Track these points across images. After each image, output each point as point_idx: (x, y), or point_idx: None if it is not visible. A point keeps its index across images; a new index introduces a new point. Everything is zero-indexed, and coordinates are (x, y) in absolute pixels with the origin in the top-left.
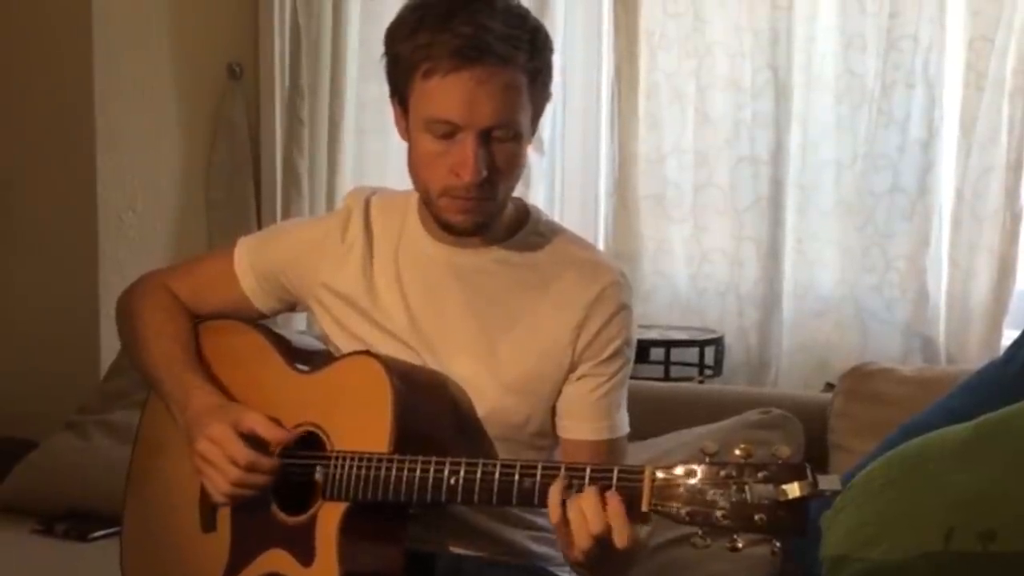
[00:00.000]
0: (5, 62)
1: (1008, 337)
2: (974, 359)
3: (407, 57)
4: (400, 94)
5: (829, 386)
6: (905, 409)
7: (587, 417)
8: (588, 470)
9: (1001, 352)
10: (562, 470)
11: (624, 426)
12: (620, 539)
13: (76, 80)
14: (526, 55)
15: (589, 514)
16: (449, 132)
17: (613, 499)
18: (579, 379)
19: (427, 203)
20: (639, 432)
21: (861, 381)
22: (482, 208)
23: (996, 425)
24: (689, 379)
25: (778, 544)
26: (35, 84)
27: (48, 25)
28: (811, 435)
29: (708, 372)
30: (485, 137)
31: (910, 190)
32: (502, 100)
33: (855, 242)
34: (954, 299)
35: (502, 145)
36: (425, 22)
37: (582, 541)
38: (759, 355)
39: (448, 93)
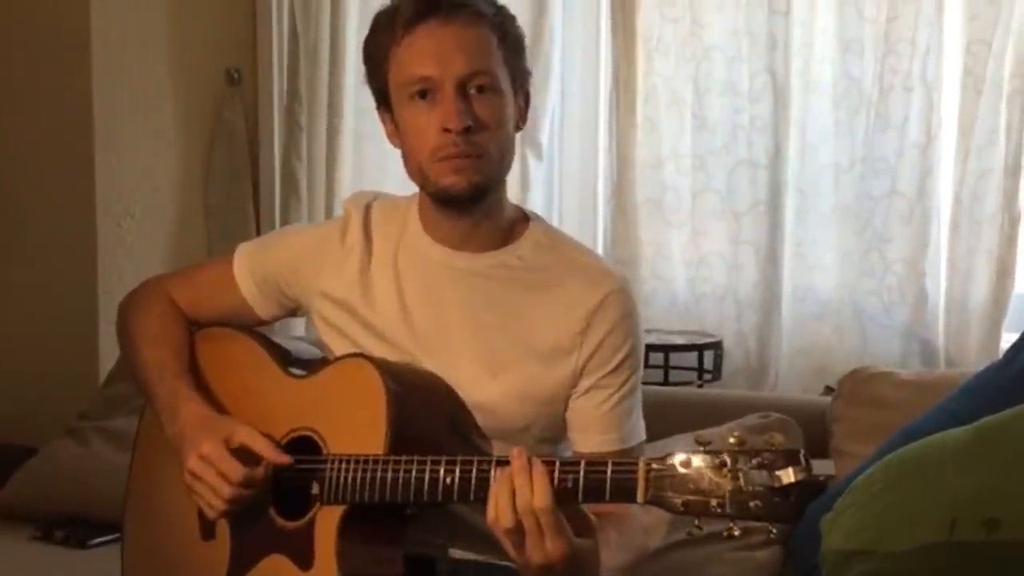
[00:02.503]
0: (4, 68)
1: (1007, 340)
2: (973, 362)
3: (380, 40)
4: (382, 89)
5: (828, 390)
6: (904, 412)
7: (597, 429)
8: (583, 464)
9: (1000, 355)
10: (556, 464)
11: (638, 435)
12: (540, 498)
13: (75, 86)
14: (490, 9)
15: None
16: (428, 89)
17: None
18: (587, 391)
19: (425, 183)
20: None
21: (860, 385)
22: (475, 166)
23: (996, 428)
24: (688, 383)
25: (774, 530)
26: (34, 90)
27: (47, 31)
28: (811, 439)
29: (707, 376)
30: (463, 91)
31: (908, 194)
32: (473, 47)
33: (854, 246)
34: (953, 302)
35: (482, 98)
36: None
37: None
38: (758, 359)
39: (418, 46)
